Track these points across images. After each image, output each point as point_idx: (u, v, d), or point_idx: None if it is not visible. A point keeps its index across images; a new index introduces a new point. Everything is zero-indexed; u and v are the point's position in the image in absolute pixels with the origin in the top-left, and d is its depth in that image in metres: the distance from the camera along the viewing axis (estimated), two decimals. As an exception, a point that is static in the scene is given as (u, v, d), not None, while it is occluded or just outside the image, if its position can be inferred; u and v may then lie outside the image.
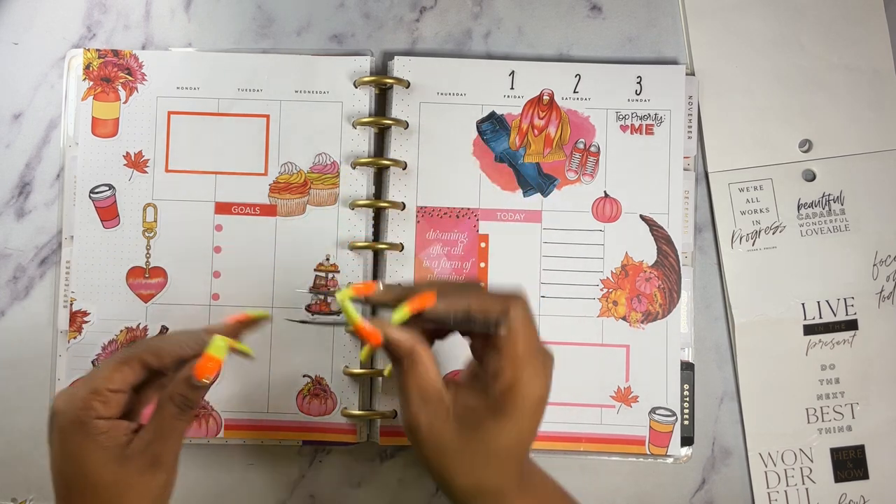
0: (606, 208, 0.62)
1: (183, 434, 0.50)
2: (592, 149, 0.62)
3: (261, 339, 0.61)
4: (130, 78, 0.62)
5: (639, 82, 0.63)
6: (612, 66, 0.63)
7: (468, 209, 0.62)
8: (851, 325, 0.62)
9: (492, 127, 0.63)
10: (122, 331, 0.61)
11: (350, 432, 0.61)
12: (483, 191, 0.62)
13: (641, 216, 0.62)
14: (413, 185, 0.62)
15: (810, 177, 0.63)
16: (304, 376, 0.61)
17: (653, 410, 0.61)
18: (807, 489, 0.62)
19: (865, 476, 0.62)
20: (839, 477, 0.62)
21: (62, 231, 0.62)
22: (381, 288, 0.50)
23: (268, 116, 0.62)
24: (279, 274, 0.61)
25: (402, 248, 0.62)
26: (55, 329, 0.62)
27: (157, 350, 0.50)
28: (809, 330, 0.62)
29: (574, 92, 0.63)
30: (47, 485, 0.57)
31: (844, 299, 0.62)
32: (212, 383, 0.49)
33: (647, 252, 0.62)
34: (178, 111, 0.62)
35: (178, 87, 0.62)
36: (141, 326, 0.61)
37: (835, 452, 0.62)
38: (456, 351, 0.62)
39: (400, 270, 0.62)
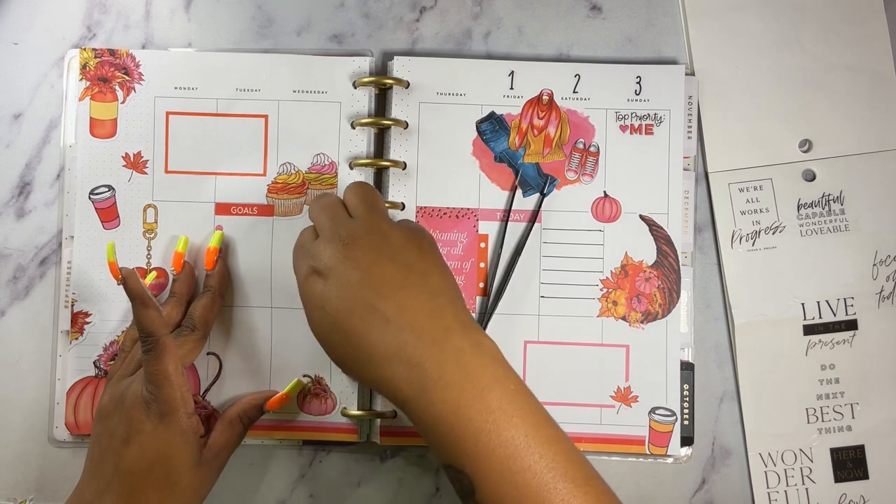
0: (606, 208, 0.62)
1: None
2: (592, 149, 0.62)
3: (261, 338, 0.61)
4: (128, 78, 0.62)
5: (638, 82, 0.63)
6: (612, 66, 0.63)
7: (468, 209, 0.62)
8: (851, 325, 0.62)
9: (491, 127, 0.63)
10: (123, 332, 0.61)
11: (350, 432, 0.61)
12: (483, 191, 0.62)
13: (641, 216, 0.62)
14: (413, 186, 0.62)
15: (810, 177, 0.63)
16: (304, 376, 0.61)
17: (652, 410, 0.61)
18: (807, 489, 0.62)
19: (865, 476, 0.62)
20: (839, 477, 0.62)
21: (62, 231, 0.62)
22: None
23: (266, 117, 0.62)
24: (277, 274, 0.61)
25: (402, 248, 0.62)
26: (55, 329, 0.62)
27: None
28: (809, 330, 0.62)
29: (573, 92, 0.63)
30: (47, 485, 0.57)
31: (844, 299, 0.62)
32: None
33: (646, 252, 0.62)
34: (176, 111, 0.62)
35: (176, 88, 0.62)
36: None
37: (835, 452, 0.62)
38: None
39: (400, 270, 0.62)
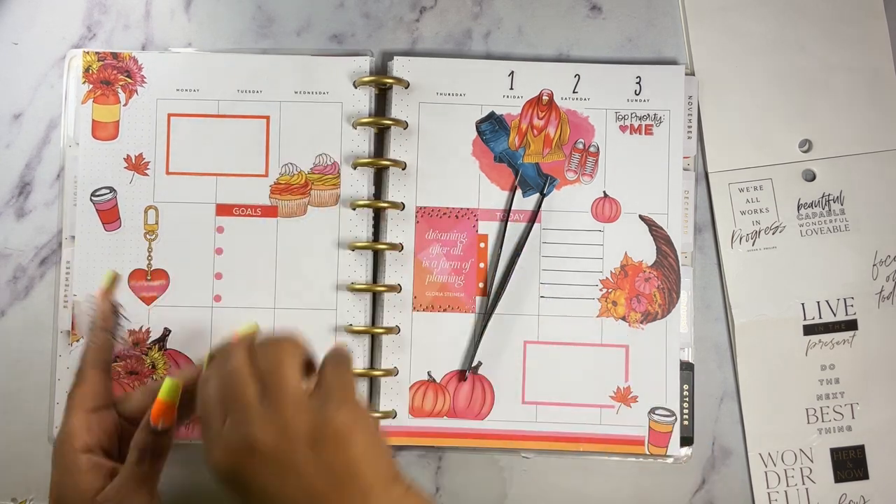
0: (606, 208, 0.62)
1: (153, 483, 0.49)
2: (592, 149, 0.63)
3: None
4: (130, 80, 0.62)
5: (638, 82, 0.63)
6: (612, 67, 0.63)
7: (467, 209, 0.62)
8: (851, 325, 0.62)
9: (491, 127, 0.63)
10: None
11: (350, 432, 0.61)
12: (482, 191, 0.62)
13: (641, 216, 0.62)
14: (412, 186, 0.62)
15: (810, 177, 0.63)
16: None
17: (652, 410, 0.61)
18: (807, 489, 0.62)
19: (865, 476, 0.62)
20: (839, 477, 0.62)
21: (62, 231, 0.62)
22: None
23: (268, 118, 0.62)
24: (280, 275, 0.62)
25: (402, 248, 0.62)
26: (55, 329, 0.62)
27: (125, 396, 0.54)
28: (809, 330, 0.62)
29: (573, 92, 0.63)
30: (47, 485, 0.57)
31: (844, 299, 0.62)
32: (169, 430, 0.49)
33: (646, 252, 0.62)
34: (178, 113, 0.62)
35: (177, 90, 0.62)
36: (143, 329, 0.61)
37: (835, 452, 0.62)
38: (454, 350, 0.62)
39: (399, 270, 0.62)
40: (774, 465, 0.62)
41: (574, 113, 0.63)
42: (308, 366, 0.48)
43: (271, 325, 0.61)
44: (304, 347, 0.47)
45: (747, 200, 0.63)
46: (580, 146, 0.63)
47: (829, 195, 0.63)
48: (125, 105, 0.62)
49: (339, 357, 0.47)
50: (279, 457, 0.42)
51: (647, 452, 0.61)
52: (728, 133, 0.64)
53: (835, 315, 0.62)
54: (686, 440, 0.62)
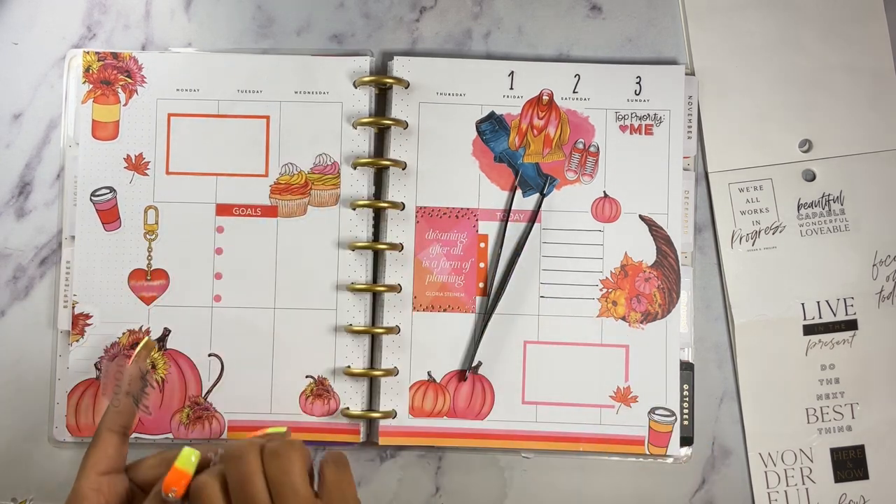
0: (606, 208, 0.62)
1: None
2: (592, 149, 0.63)
3: (263, 339, 0.61)
4: (130, 80, 0.62)
5: (638, 82, 0.63)
6: (612, 67, 0.63)
7: (467, 209, 0.62)
8: (851, 325, 0.62)
9: (491, 127, 0.63)
10: (124, 333, 0.61)
11: (352, 432, 0.61)
12: (482, 191, 0.62)
13: (641, 216, 0.62)
14: (412, 186, 0.62)
15: (810, 177, 0.63)
16: (306, 377, 0.61)
17: (652, 410, 0.61)
18: (807, 489, 0.62)
19: (865, 476, 0.62)
20: (839, 477, 0.62)
21: (62, 231, 0.62)
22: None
23: (268, 117, 0.62)
24: (280, 275, 0.62)
25: (402, 248, 0.62)
26: (55, 329, 0.62)
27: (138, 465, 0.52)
28: (809, 330, 0.62)
29: (573, 92, 0.63)
30: (47, 485, 0.57)
31: (844, 299, 0.63)
32: (182, 499, 0.48)
33: (646, 252, 0.62)
34: (178, 113, 0.62)
35: (178, 90, 0.62)
36: (143, 329, 0.61)
37: (835, 452, 0.62)
38: (455, 349, 0.62)
39: (399, 270, 0.62)
40: (774, 465, 0.62)
41: (574, 113, 0.63)
42: (309, 471, 0.49)
43: (271, 325, 0.61)
44: (308, 453, 0.48)
45: (747, 200, 0.63)
46: (580, 146, 0.63)
47: (829, 195, 0.63)
48: (125, 105, 0.62)
49: (339, 461, 0.49)
50: None
51: (647, 452, 0.61)
52: (728, 133, 0.64)
53: (835, 315, 0.62)
54: (686, 440, 0.62)
